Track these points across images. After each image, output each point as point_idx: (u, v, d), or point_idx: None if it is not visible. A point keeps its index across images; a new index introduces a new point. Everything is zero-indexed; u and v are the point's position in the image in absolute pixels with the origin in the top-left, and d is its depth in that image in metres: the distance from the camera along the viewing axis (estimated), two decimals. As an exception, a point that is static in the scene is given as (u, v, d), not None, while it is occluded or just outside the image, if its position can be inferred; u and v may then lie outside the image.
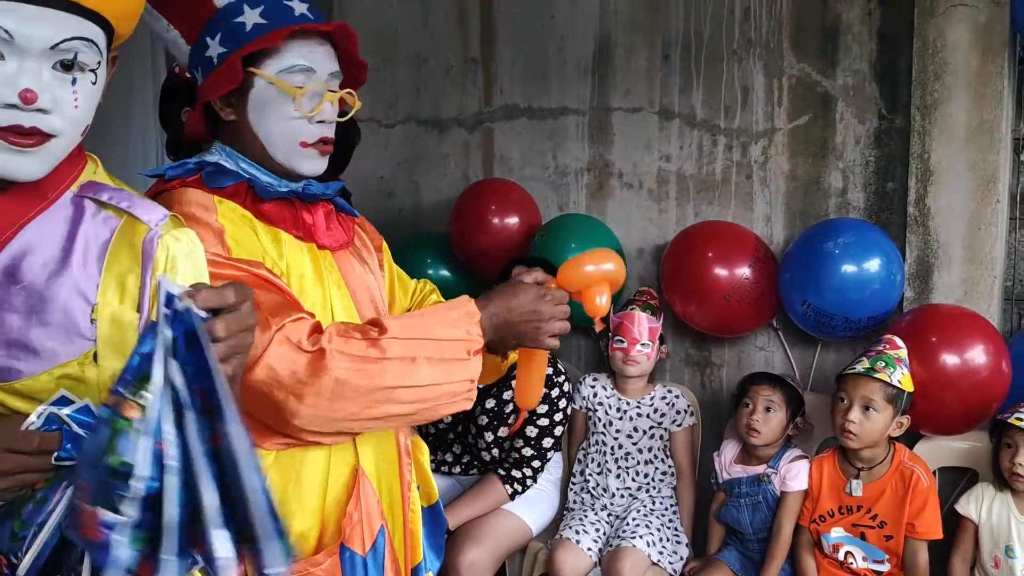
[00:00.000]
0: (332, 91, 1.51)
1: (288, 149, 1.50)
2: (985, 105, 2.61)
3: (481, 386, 2.84)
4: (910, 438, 2.70)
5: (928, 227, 2.70)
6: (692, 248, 2.90)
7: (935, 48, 2.65)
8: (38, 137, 1.02)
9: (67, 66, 1.02)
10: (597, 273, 1.64)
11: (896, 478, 2.41)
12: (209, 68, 1.48)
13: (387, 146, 3.63)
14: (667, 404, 2.93)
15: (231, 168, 1.52)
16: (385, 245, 1.82)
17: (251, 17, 1.46)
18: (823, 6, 2.90)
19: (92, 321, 1.07)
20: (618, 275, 1.69)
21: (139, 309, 1.10)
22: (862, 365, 2.40)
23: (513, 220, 3.15)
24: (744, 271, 2.82)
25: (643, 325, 2.88)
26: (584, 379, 3.03)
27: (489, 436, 2.84)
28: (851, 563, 2.46)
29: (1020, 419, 2.27)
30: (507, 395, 2.84)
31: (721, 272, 2.83)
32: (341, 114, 1.58)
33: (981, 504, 2.38)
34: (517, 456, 2.79)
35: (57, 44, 1.00)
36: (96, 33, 1.05)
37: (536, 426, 2.80)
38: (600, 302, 1.65)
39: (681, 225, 3.10)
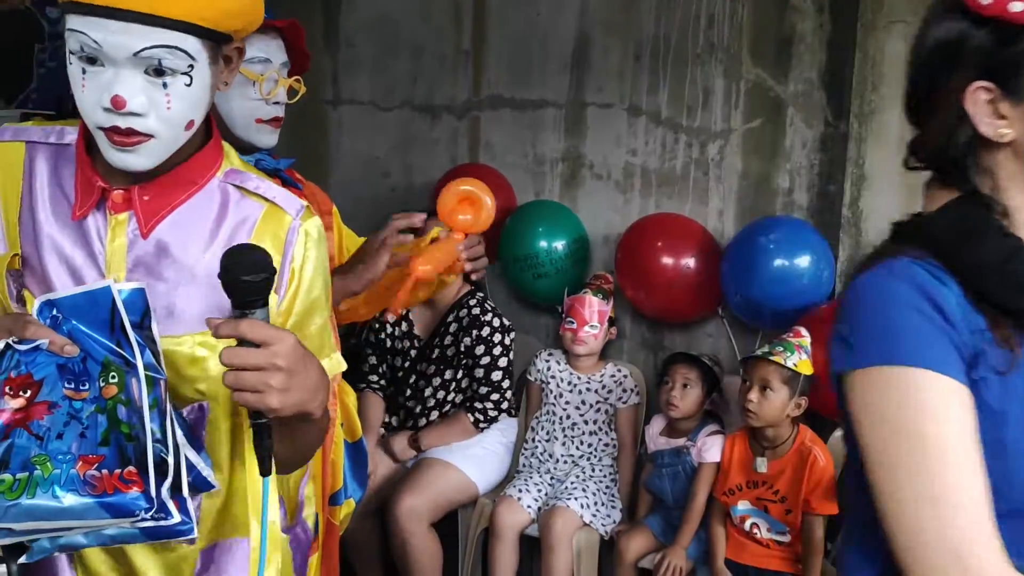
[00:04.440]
0: (284, 78, 1.82)
1: (246, 124, 1.80)
2: (916, 116, 2.76)
3: (424, 339, 3.14)
4: (831, 427, 2.88)
5: (860, 228, 2.88)
6: (643, 238, 3.11)
7: (874, 60, 2.82)
8: (137, 137, 1.11)
9: (158, 71, 1.10)
10: (454, 196, 1.98)
11: (797, 457, 2.61)
12: None
13: (384, 128, 3.90)
14: (615, 382, 3.16)
15: None
16: (335, 209, 2.11)
17: None
18: (779, 17, 3.08)
19: None
20: (471, 196, 1.99)
21: (276, 289, 1.21)
22: (762, 350, 2.60)
23: (488, 203, 3.39)
24: (688, 261, 3.03)
25: (593, 308, 3.11)
26: (540, 354, 3.27)
27: (437, 381, 3.13)
28: (756, 533, 2.67)
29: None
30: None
31: (667, 261, 3.04)
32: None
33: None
34: (473, 392, 3.09)
35: (138, 52, 1.08)
36: (182, 40, 1.10)
37: (480, 366, 3.07)
38: (462, 218, 2.00)
39: (643, 216, 3.30)
